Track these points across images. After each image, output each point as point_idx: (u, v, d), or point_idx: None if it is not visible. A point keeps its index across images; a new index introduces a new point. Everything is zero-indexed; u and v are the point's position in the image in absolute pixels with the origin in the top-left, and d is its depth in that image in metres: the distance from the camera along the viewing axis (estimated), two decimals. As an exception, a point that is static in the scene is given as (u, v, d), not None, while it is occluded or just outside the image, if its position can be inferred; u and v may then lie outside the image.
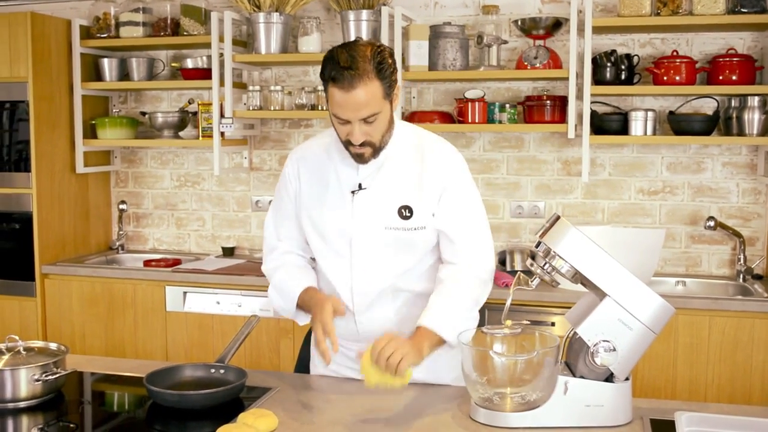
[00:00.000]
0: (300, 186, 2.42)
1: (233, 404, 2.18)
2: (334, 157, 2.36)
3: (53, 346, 2.38)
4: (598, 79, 3.92)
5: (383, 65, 2.14)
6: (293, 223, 2.47)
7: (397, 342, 2.08)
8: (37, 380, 2.17)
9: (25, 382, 2.16)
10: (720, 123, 3.90)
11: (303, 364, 2.59)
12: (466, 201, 2.36)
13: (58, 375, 2.21)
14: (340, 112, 2.16)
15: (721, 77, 3.78)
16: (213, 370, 2.34)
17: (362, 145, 2.21)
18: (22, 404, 2.17)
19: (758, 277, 3.94)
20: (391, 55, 2.20)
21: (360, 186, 2.32)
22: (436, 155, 2.35)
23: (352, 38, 4.10)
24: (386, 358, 2.04)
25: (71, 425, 2.12)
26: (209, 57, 4.40)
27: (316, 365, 2.53)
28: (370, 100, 2.13)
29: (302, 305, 2.39)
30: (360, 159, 2.26)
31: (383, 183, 2.32)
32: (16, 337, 2.35)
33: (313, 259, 2.50)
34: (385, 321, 2.37)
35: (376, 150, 2.26)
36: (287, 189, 2.45)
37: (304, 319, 2.44)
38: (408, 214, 2.30)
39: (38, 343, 2.39)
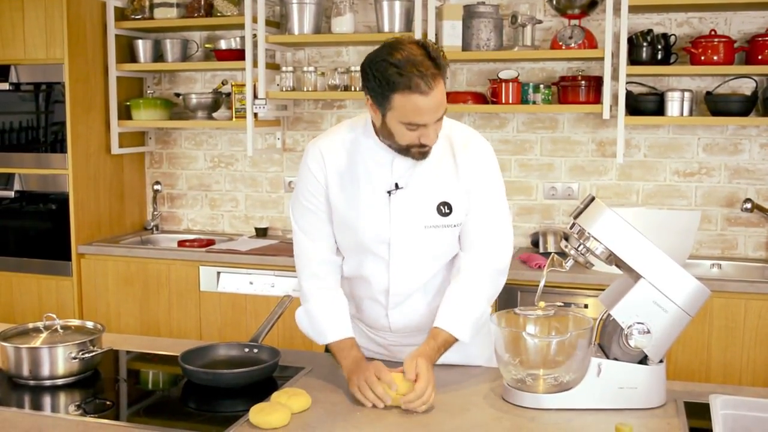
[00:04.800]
0: (328, 185, 2.27)
1: (267, 383, 2.20)
2: (363, 154, 2.25)
3: (89, 324, 2.41)
4: (634, 59, 3.87)
5: (439, 60, 2.04)
6: (324, 224, 2.32)
7: (429, 377, 2.07)
8: (74, 358, 2.21)
9: (62, 360, 2.20)
10: (758, 103, 3.84)
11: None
12: (492, 196, 2.29)
13: (94, 353, 2.25)
14: (418, 118, 2.05)
15: (760, 57, 3.71)
16: (247, 350, 2.36)
17: None
18: (59, 381, 2.21)
19: (796, 260, 3.89)
20: (439, 48, 2.11)
21: (396, 185, 2.24)
22: (469, 151, 2.27)
23: (386, 19, 4.08)
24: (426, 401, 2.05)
25: (107, 402, 2.14)
26: (242, 38, 4.41)
27: None
28: (443, 97, 2.06)
29: (332, 348, 2.32)
30: (423, 156, 2.17)
31: (420, 180, 2.24)
32: (54, 316, 2.38)
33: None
34: (416, 314, 2.35)
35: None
36: (313, 188, 2.29)
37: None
38: (447, 211, 2.24)
39: (75, 322, 2.43)
